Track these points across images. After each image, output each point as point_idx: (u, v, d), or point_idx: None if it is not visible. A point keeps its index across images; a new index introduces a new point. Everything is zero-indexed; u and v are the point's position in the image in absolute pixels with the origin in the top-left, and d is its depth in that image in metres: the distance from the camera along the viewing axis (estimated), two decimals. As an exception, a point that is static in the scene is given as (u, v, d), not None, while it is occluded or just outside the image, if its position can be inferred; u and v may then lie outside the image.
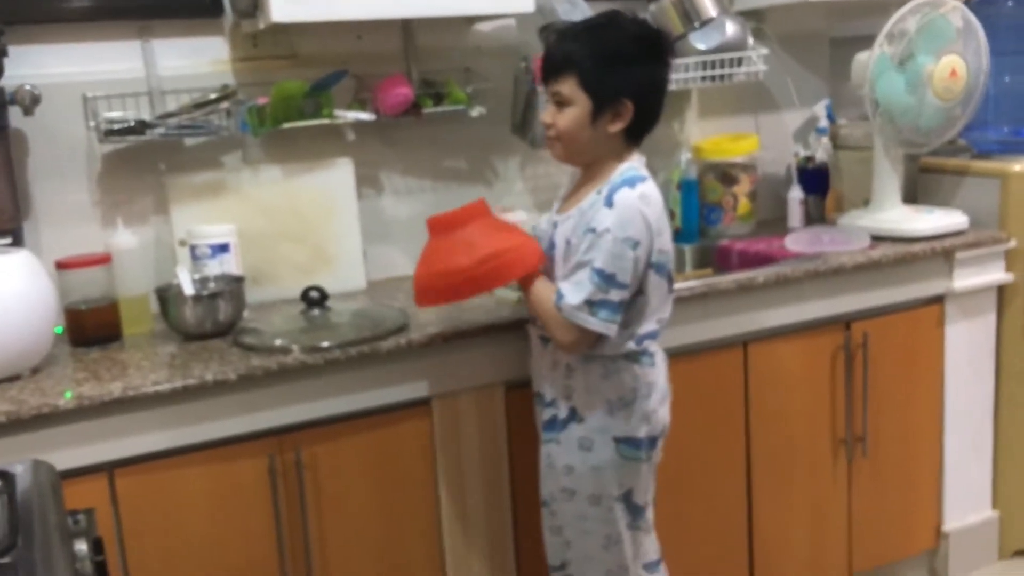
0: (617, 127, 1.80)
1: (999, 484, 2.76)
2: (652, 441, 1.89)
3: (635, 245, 1.76)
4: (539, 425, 1.97)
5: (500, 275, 1.84)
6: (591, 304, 1.76)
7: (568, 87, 1.79)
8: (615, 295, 1.76)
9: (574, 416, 1.88)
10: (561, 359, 1.88)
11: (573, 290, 1.77)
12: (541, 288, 1.85)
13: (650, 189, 1.80)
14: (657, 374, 1.89)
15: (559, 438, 1.90)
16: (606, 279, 1.75)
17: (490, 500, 2.12)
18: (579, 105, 1.79)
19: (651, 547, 2.05)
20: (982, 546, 2.76)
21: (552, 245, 1.88)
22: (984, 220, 2.63)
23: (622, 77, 1.78)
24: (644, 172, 1.83)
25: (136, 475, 1.82)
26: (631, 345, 1.84)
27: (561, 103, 1.81)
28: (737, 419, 2.36)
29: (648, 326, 1.85)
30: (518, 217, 2.35)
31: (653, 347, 1.88)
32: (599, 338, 1.80)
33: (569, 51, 1.80)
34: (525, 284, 1.86)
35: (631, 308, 1.82)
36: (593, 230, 1.77)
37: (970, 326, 2.63)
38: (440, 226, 1.88)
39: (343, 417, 1.98)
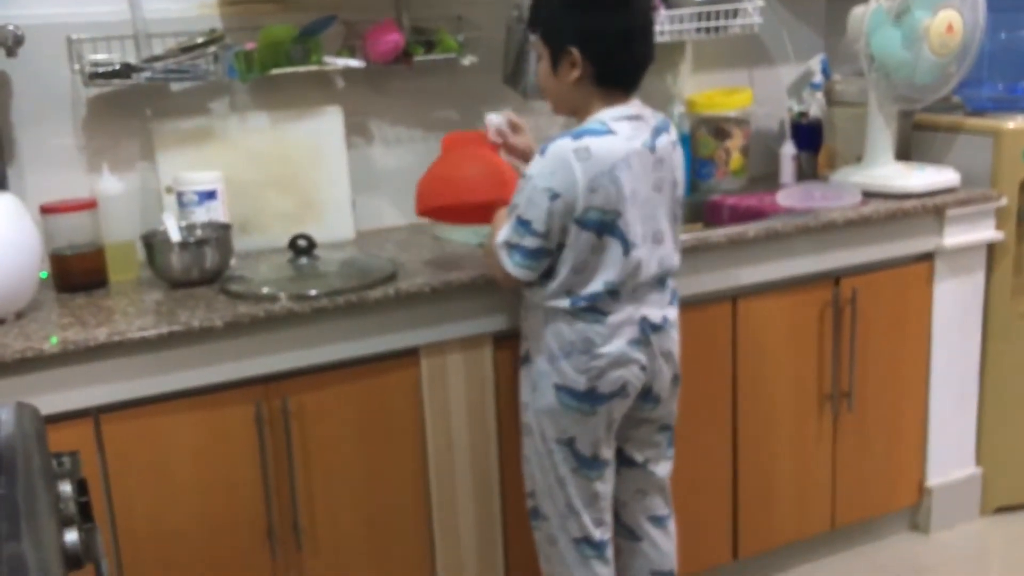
0: (574, 75, 1.82)
1: (983, 441, 2.78)
2: (597, 398, 1.87)
3: (553, 196, 1.76)
4: None
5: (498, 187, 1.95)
6: (509, 246, 1.83)
7: (538, 42, 1.89)
8: (529, 242, 1.80)
9: (528, 358, 1.96)
10: (525, 302, 1.95)
11: (503, 229, 1.84)
12: (497, 217, 1.92)
13: (598, 144, 1.76)
14: (606, 336, 1.85)
15: (521, 375, 1.99)
16: (522, 224, 1.80)
17: (477, 450, 2.13)
18: (544, 57, 1.88)
19: (655, 501, 2.07)
20: (964, 502, 2.79)
21: None
22: (976, 178, 2.62)
23: (564, 24, 1.83)
24: (612, 126, 1.79)
25: (122, 420, 1.82)
26: (564, 303, 1.84)
27: (539, 58, 1.90)
28: (725, 373, 2.37)
29: (592, 287, 1.83)
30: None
31: (607, 308, 1.84)
32: (521, 284, 1.88)
33: (536, 5, 1.90)
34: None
35: (559, 261, 1.82)
36: (525, 175, 1.82)
37: (959, 284, 2.63)
38: (454, 144, 2.04)
39: (330, 366, 1.97)
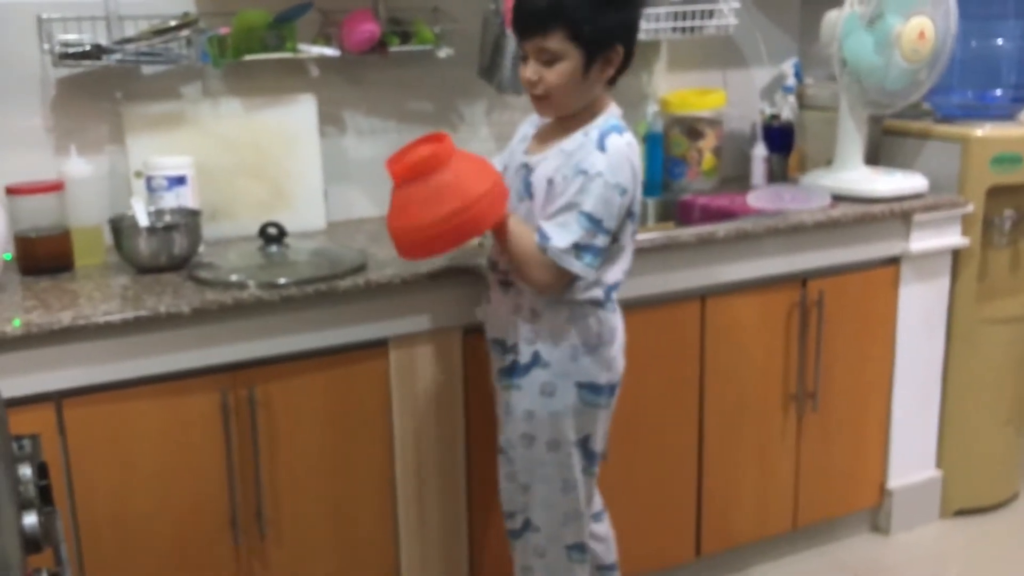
0: (608, 73, 1.78)
1: (944, 444, 2.81)
2: (611, 388, 1.91)
3: (623, 192, 1.75)
4: (494, 372, 1.97)
5: (474, 226, 1.74)
6: (578, 247, 1.74)
7: (556, 41, 1.71)
8: (600, 240, 1.75)
9: (537, 361, 1.87)
10: (525, 304, 1.86)
11: (559, 232, 1.74)
12: (517, 228, 1.79)
13: (632, 138, 1.81)
14: (617, 320, 1.90)
15: (520, 384, 1.89)
16: (595, 223, 1.73)
17: (444, 442, 2.13)
18: (570, 59, 1.73)
19: (596, 498, 2.07)
20: (924, 504, 2.83)
21: (527, 186, 1.84)
22: (944, 184, 2.65)
23: (616, 22, 1.75)
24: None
25: (85, 406, 1.80)
26: (598, 293, 1.84)
27: (550, 60, 1.73)
28: (692, 371, 2.38)
29: (616, 275, 1.86)
30: None
31: (615, 295, 1.89)
32: (570, 283, 1.80)
33: (557, 2, 1.70)
34: (498, 227, 1.79)
35: (606, 256, 1.81)
36: (584, 172, 1.73)
37: (924, 288, 2.66)
38: (405, 174, 1.75)
39: (298, 355, 1.96)
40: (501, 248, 1.85)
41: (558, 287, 1.79)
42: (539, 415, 1.87)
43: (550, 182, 1.79)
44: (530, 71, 1.77)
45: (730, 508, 2.52)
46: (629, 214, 1.81)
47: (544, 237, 1.75)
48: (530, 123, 1.96)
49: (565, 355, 1.85)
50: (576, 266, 1.75)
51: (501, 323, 1.93)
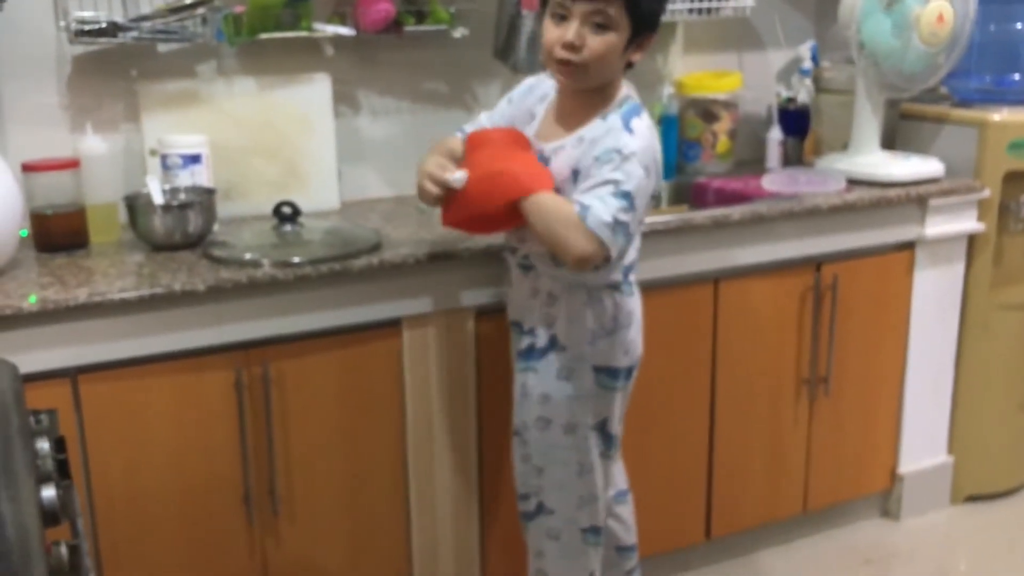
0: (636, 58, 1.77)
1: (956, 430, 2.81)
2: (629, 372, 1.90)
3: (649, 173, 1.75)
4: (514, 354, 1.97)
5: (514, 184, 1.74)
6: (616, 223, 1.70)
7: (615, 9, 1.68)
8: (632, 221, 1.73)
9: (554, 345, 1.86)
10: (543, 287, 1.86)
11: (600, 204, 1.69)
12: (552, 200, 1.74)
13: (650, 120, 1.80)
14: (635, 304, 1.89)
15: (537, 367, 1.88)
16: (631, 203, 1.71)
17: (456, 424, 2.13)
18: (620, 31, 1.70)
19: (619, 476, 2.07)
20: (935, 490, 2.83)
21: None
22: (960, 169, 2.63)
23: (662, 8, 1.77)
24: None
25: (100, 382, 1.81)
26: (616, 276, 1.83)
27: (602, 25, 1.69)
28: (704, 355, 2.38)
29: (632, 256, 1.85)
30: None
31: (632, 277, 1.88)
32: (604, 260, 1.74)
33: None
34: (527, 196, 1.74)
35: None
36: (619, 151, 1.71)
37: (939, 274, 2.65)
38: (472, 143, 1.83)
39: (312, 334, 1.97)
40: (536, 222, 1.75)
41: (595, 260, 1.72)
42: (555, 398, 1.87)
43: (575, 171, 1.76)
44: (573, 34, 1.69)
45: (740, 491, 2.52)
46: (654, 195, 1.81)
47: (585, 208, 1.70)
48: (537, 97, 1.90)
49: (582, 339, 1.84)
50: (610, 239, 1.70)
51: (519, 306, 1.92)
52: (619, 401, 1.91)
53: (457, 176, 1.77)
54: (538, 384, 1.88)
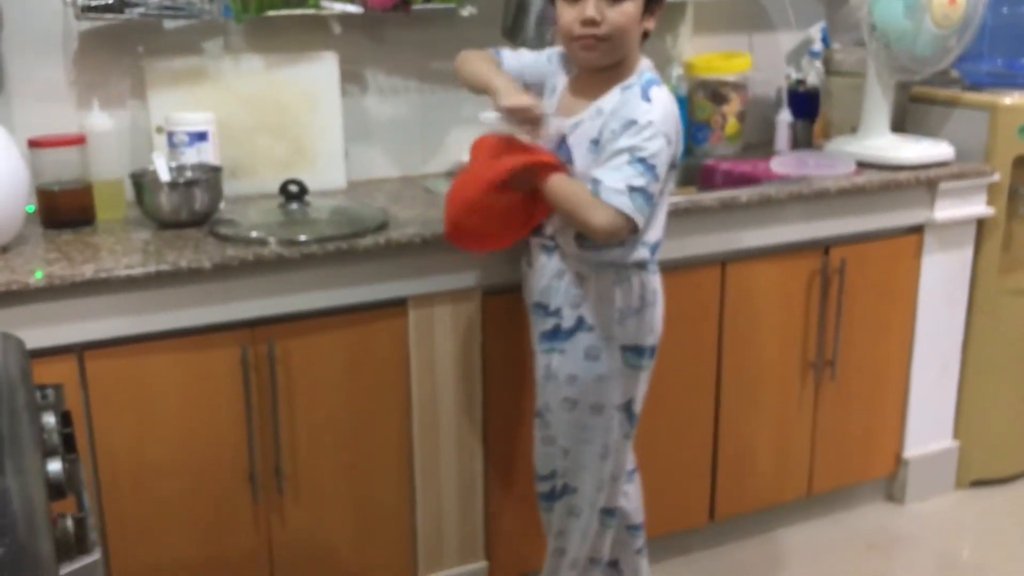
0: (652, 25, 1.79)
1: (962, 415, 2.80)
2: (653, 350, 1.91)
3: (669, 142, 1.75)
4: (535, 336, 1.95)
5: (528, 176, 1.78)
6: (631, 189, 1.71)
7: None
8: (653, 186, 1.73)
9: (582, 325, 1.86)
10: (569, 267, 1.85)
11: (612, 175, 1.72)
12: (564, 180, 1.78)
13: (668, 91, 1.80)
14: (659, 283, 1.90)
15: (564, 347, 1.88)
16: (648, 168, 1.72)
17: (461, 402, 2.13)
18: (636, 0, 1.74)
19: (630, 455, 2.07)
20: (940, 474, 2.82)
21: (566, 150, 1.82)
22: (970, 153, 2.61)
23: None
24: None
25: (106, 358, 1.81)
26: (644, 253, 1.83)
27: None
28: (711, 337, 2.37)
29: (657, 233, 1.85)
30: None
31: (657, 256, 1.88)
32: (632, 230, 1.75)
33: None
34: (542, 184, 1.79)
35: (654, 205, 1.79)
36: (634, 121, 1.72)
37: (947, 258, 2.64)
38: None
39: (318, 313, 1.96)
40: (557, 205, 1.79)
41: (620, 232, 1.74)
42: (583, 379, 1.87)
43: (594, 142, 1.78)
44: (592, 8, 1.71)
45: (745, 474, 2.52)
46: (672, 165, 1.80)
47: (596, 181, 1.73)
48: (555, 71, 1.90)
49: (611, 318, 1.84)
50: (628, 208, 1.71)
51: (543, 287, 1.90)
52: (644, 380, 1.92)
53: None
54: (564, 365, 1.88)
